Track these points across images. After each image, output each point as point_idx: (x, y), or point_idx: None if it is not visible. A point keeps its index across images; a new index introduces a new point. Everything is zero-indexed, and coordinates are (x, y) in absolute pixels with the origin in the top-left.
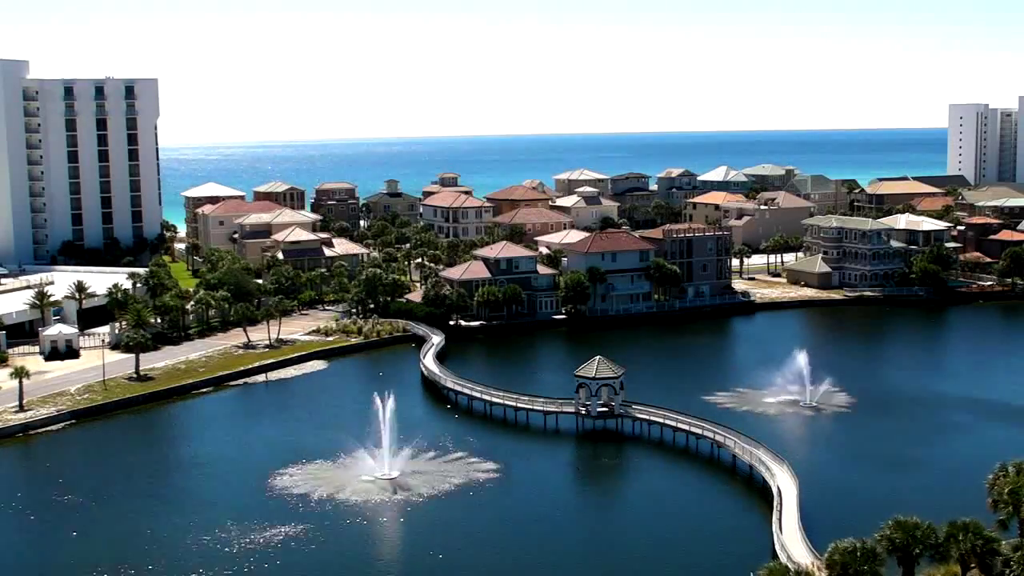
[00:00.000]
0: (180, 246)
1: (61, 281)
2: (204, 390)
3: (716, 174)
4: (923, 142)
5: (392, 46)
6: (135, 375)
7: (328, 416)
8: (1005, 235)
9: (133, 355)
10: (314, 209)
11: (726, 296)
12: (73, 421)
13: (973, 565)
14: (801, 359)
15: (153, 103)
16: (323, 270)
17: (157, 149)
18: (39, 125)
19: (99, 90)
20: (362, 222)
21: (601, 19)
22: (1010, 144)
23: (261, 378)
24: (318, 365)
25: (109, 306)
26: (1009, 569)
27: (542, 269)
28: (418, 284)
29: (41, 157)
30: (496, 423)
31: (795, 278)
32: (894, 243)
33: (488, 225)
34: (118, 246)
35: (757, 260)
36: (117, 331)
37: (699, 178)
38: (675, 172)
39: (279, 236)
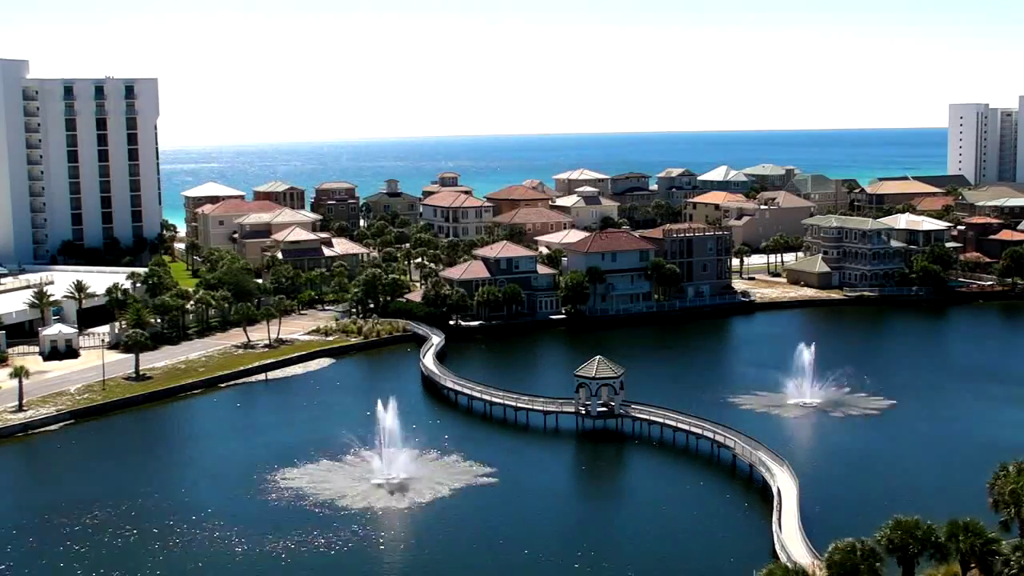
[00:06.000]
0: (180, 246)
1: (61, 281)
2: (203, 390)
3: (716, 174)
4: (923, 141)
5: (392, 46)
6: (134, 375)
7: (328, 416)
8: (1005, 235)
9: (132, 355)
10: (314, 209)
11: (726, 296)
12: (72, 421)
13: (973, 565)
14: (801, 359)
15: (153, 103)
16: (323, 270)
17: (157, 149)
18: (39, 125)
19: (99, 90)
20: (362, 222)
21: (600, 19)
22: (1010, 144)
23: (261, 378)
24: (318, 365)
25: (109, 306)
26: (1009, 569)
27: (542, 269)
28: (418, 284)
29: (41, 157)
30: (496, 423)
31: (795, 278)
32: (894, 243)
33: (488, 225)
34: (118, 246)
35: (757, 260)
36: (117, 331)
37: (699, 178)
38: (675, 172)
39: (279, 236)
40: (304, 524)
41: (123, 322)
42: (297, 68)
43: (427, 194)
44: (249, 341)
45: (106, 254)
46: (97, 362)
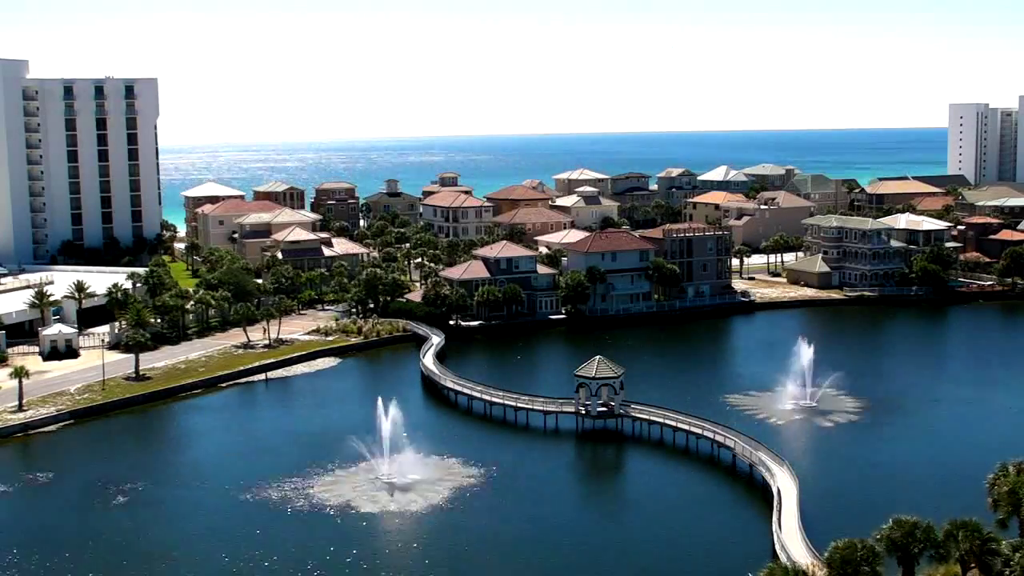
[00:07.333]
0: (180, 246)
1: (61, 281)
2: (203, 390)
3: (716, 174)
4: (923, 142)
5: (392, 46)
6: (134, 375)
7: (327, 417)
8: (1005, 235)
9: (132, 355)
10: (314, 209)
11: (726, 296)
12: (72, 421)
13: (973, 565)
14: (801, 359)
15: (153, 103)
16: (323, 270)
17: (157, 149)
18: (39, 125)
19: (99, 90)
20: (362, 222)
21: (600, 19)
22: (1010, 144)
23: (261, 378)
24: (318, 365)
25: (109, 306)
26: (1009, 569)
27: (542, 269)
28: (418, 284)
29: (41, 157)
30: (496, 423)
31: (795, 278)
32: (894, 243)
33: (488, 225)
34: (118, 246)
35: (757, 260)
36: (117, 331)
37: (699, 178)
38: (675, 172)
39: (279, 236)
40: (304, 525)
41: (123, 322)
42: (298, 68)
43: (427, 194)
44: (249, 341)
45: (106, 254)
46: (97, 362)
